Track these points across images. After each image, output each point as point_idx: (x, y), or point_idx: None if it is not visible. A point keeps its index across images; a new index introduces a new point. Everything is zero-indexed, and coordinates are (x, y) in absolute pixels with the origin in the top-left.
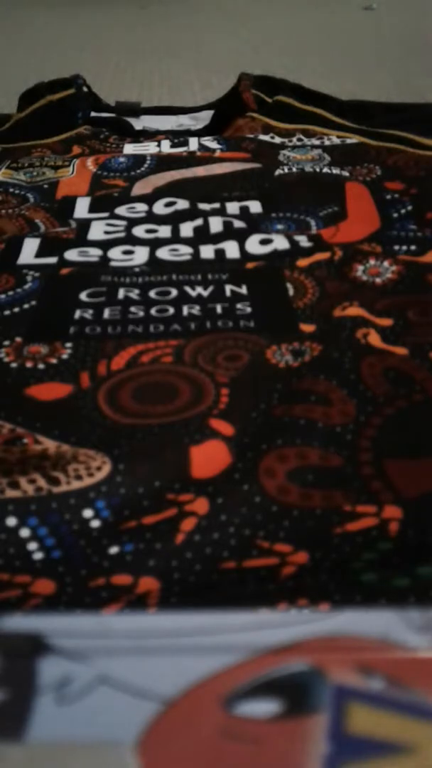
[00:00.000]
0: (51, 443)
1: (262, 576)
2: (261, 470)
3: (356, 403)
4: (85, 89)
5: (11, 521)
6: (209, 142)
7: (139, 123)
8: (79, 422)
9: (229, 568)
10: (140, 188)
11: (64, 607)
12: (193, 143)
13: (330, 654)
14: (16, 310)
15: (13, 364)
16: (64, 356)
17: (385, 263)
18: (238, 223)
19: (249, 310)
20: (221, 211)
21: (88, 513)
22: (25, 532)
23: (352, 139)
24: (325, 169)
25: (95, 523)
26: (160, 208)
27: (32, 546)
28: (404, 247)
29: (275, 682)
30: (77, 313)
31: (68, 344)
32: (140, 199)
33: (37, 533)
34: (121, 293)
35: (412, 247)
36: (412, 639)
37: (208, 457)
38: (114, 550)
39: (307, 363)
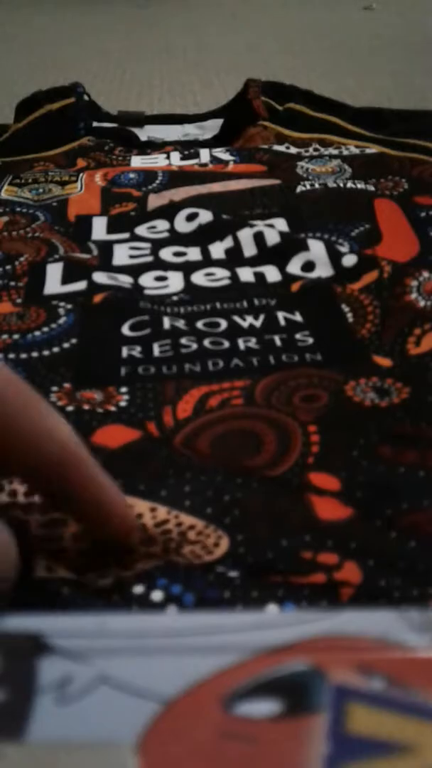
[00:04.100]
0: (141, 504)
1: None
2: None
3: None
4: (85, 98)
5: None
6: (221, 154)
7: (143, 133)
8: (164, 478)
9: None
10: (156, 201)
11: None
12: (205, 155)
13: (330, 654)
14: (56, 350)
15: (69, 408)
16: (122, 403)
17: None
18: (272, 242)
19: (311, 341)
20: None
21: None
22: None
23: (371, 149)
24: (349, 184)
25: (233, 573)
26: (182, 223)
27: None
28: None
29: (275, 682)
30: (124, 351)
31: (123, 389)
32: (158, 213)
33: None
34: (167, 323)
35: None
36: (412, 639)
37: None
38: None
39: (397, 405)
